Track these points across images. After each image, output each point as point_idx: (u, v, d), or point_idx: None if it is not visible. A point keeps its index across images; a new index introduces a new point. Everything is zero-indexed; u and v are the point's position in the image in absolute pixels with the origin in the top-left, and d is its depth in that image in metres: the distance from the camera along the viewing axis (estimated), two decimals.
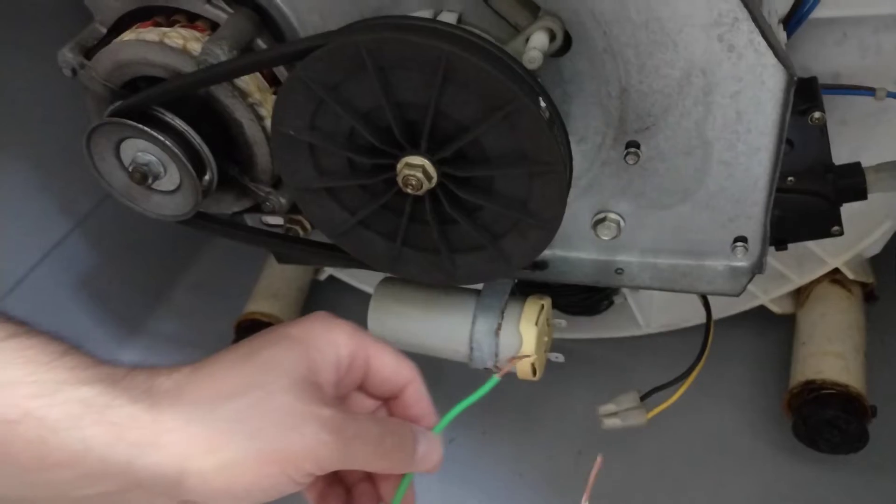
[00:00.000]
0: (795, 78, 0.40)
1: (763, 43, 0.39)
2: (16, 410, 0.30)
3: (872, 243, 0.62)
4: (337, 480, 0.40)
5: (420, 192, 0.41)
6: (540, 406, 0.66)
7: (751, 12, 0.37)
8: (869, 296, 0.68)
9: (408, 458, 0.37)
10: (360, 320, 0.53)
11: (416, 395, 0.39)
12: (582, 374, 0.73)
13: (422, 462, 0.37)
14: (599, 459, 0.42)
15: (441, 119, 0.39)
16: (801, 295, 0.68)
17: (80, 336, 0.80)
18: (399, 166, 0.41)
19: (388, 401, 0.40)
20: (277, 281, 0.80)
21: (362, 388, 0.39)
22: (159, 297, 0.87)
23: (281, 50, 0.41)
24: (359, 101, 0.39)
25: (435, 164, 0.41)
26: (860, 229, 0.61)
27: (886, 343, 0.69)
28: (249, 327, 0.77)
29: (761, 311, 0.69)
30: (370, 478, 0.40)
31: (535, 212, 0.41)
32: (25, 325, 0.33)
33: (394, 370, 0.39)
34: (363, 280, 0.78)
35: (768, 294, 0.67)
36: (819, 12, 0.48)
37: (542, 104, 0.37)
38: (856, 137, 0.56)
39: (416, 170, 0.41)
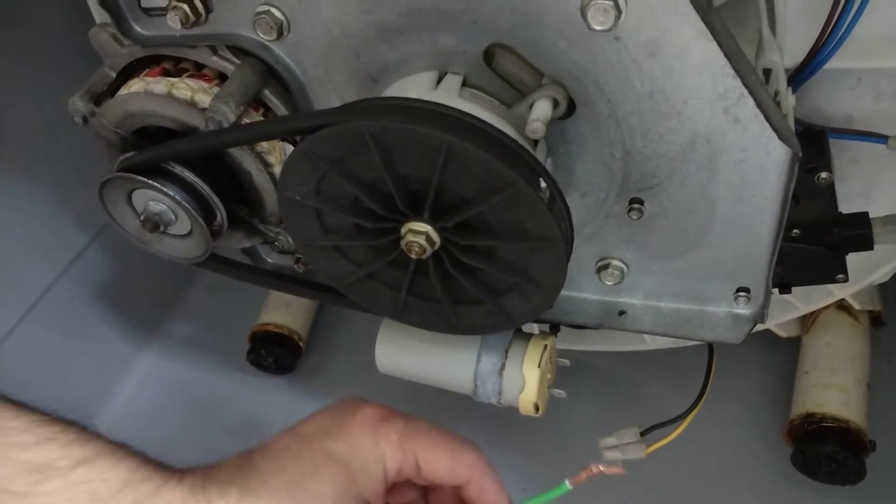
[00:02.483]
0: (799, 154, 0.39)
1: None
2: None
3: (880, 276, 0.62)
4: None
5: (424, 257, 0.42)
6: (544, 419, 0.68)
7: (753, 94, 0.37)
8: (876, 321, 0.68)
9: None
10: (369, 330, 0.55)
11: (478, 489, 0.38)
12: (588, 388, 0.74)
13: None
14: (590, 469, 0.41)
15: (443, 193, 0.39)
16: (807, 319, 0.68)
17: (101, 343, 0.83)
18: (403, 230, 0.42)
19: (450, 489, 0.39)
20: None
21: (417, 476, 0.38)
22: (175, 301, 0.89)
23: (286, 126, 0.41)
24: (362, 173, 0.40)
25: (438, 230, 0.41)
26: (868, 265, 0.61)
27: (893, 367, 0.69)
28: (263, 338, 0.79)
29: (766, 333, 0.70)
30: None
31: (535, 279, 0.42)
32: (92, 442, 0.33)
33: (448, 472, 0.38)
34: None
35: (774, 319, 0.67)
36: (833, 64, 0.47)
37: (542, 185, 0.38)
38: (866, 176, 0.56)
39: (420, 236, 0.41)
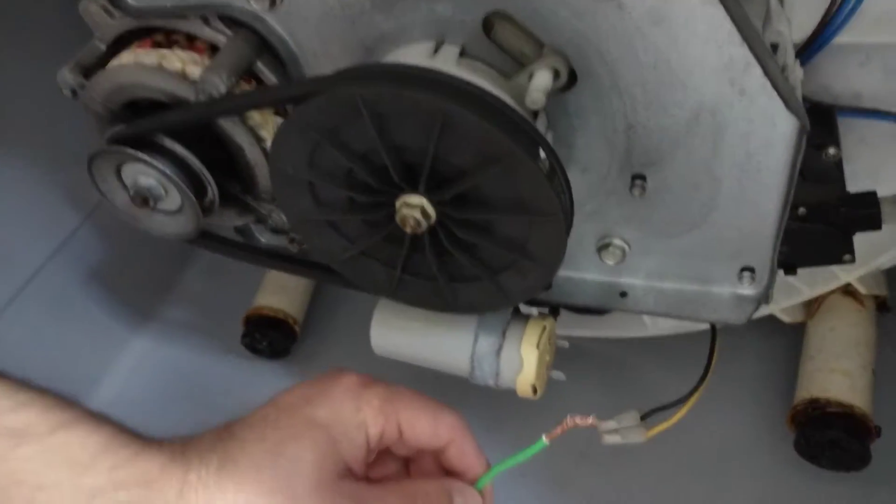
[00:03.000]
0: (807, 127, 0.38)
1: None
2: None
3: (887, 260, 0.61)
4: None
5: (419, 232, 0.41)
6: (543, 405, 0.67)
7: (760, 62, 0.36)
8: (881, 306, 0.67)
9: None
10: (365, 314, 0.54)
11: (458, 452, 0.39)
12: (588, 373, 0.73)
13: None
14: (573, 422, 0.41)
15: (439, 164, 0.38)
16: (812, 304, 0.67)
17: (94, 325, 0.82)
18: (398, 204, 0.41)
19: (431, 457, 0.40)
20: (285, 275, 0.80)
21: (398, 444, 0.38)
22: (170, 285, 0.88)
23: (278, 94, 0.40)
24: (356, 144, 0.39)
25: (434, 203, 0.40)
26: (875, 247, 0.60)
27: None
28: (257, 322, 0.78)
29: (771, 318, 0.68)
30: None
31: (533, 254, 0.41)
32: (70, 409, 0.33)
33: (430, 435, 0.38)
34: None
35: (778, 304, 0.66)
36: (842, 38, 0.45)
37: (542, 155, 0.36)
38: (874, 156, 0.54)
39: (415, 209, 0.40)
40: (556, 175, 0.37)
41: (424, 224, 0.40)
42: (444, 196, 0.39)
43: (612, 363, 0.76)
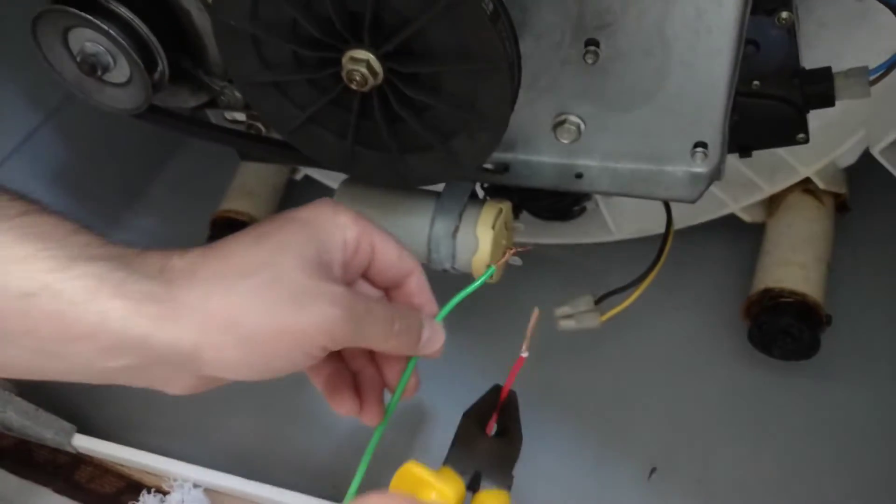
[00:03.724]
0: None
1: None
2: (33, 283, 0.31)
3: (846, 152, 0.61)
4: (343, 368, 0.42)
5: (366, 89, 0.40)
6: (505, 309, 0.67)
7: None
8: (841, 206, 0.67)
9: (414, 341, 0.38)
10: None
11: (419, 284, 0.41)
12: (550, 280, 0.73)
13: (427, 345, 0.39)
14: (536, 311, 0.44)
15: (383, 10, 0.38)
16: (771, 203, 0.67)
17: None
18: (344, 60, 0.40)
19: (391, 290, 0.41)
20: (252, 179, 0.80)
21: (367, 276, 0.40)
22: (136, 194, 0.87)
23: None
24: None
25: (380, 58, 0.39)
26: (833, 138, 0.60)
27: (858, 254, 0.69)
28: (224, 225, 0.78)
29: (732, 219, 0.69)
30: (375, 364, 0.42)
31: (482, 111, 0.41)
32: (38, 204, 0.33)
33: (398, 258, 0.40)
34: (339, 180, 0.78)
35: (738, 202, 0.66)
36: None
37: None
38: (834, 41, 0.54)
39: (361, 64, 0.39)
40: (501, 19, 0.37)
41: (371, 81, 0.40)
42: (390, 46, 0.39)
43: (577, 268, 0.76)
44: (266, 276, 0.34)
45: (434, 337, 0.40)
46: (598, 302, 0.57)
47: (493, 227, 0.52)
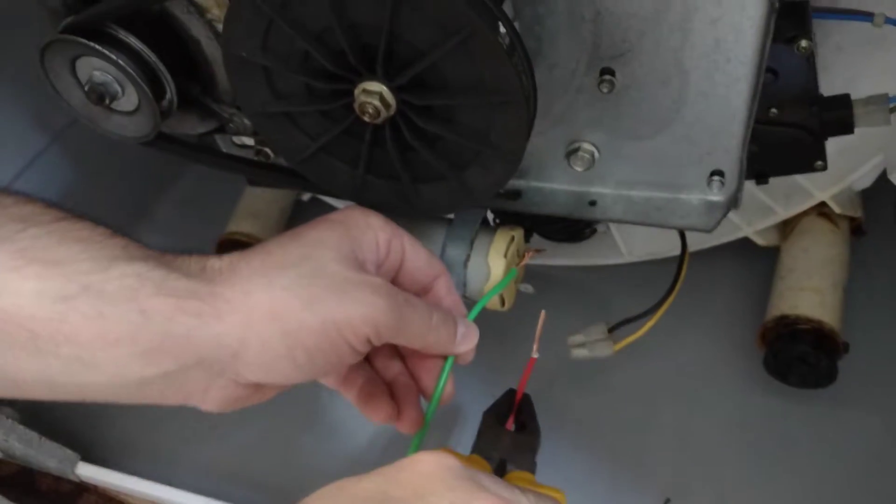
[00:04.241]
0: (776, 5, 0.37)
1: None
2: (72, 286, 0.30)
3: (862, 177, 0.60)
4: (376, 377, 0.41)
5: (379, 121, 0.40)
6: (515, 332, 0.66)
7: None
8: (857, 230, 0.66)
9: (451, 335, 0.38)
10: None
11: (447, 287, 0.40)
12: (561, 302, 0.72)
13: (462, 342, 0.39)
14: (543, 314, 0.44)
15: (397, 43, 0.37)
16: (786, 227, 0.66)
17: None
18: (356, 92, 0.39)
19: (420, 294, 0.41)
20: (259, 200, 0.79)
21: (397, 280, 0.40)
22: (142, 214, 0.86)
23: None
24: (311, 21, 0.37)
25: (393, 90, 0.39)
26: (849, 162, 0.59)
27: (873, 278, 0.68)
28: (230, 247, 0.77)
29: (745, 242, 0.68)
30: (409, 372, 0.42)
31: (496, 144, 0.40)
32: (72, 211, 0.33)
33: (427, 261, 0.39)
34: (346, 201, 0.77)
35: (752, 226, 0.66)
36: None
37: (502, 30, 0.35)
38: (851, 65, 0.54)
39: (374, 97, 0.39)
40: (517, 52, 0.36)
41: (384, 112, 0.39)
42: (403, 80, 0.38)
43: (587, 291, 0.75)
44: (307, 268, 0.34)
45: (468, 333, 0.39)
46: (611, 330, 0.56)
47: (506, 256, 0.51)
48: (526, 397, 0.46)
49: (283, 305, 0.32)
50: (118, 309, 0.30)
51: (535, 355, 0.43)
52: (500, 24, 0.35)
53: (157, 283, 0.31)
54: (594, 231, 0.72)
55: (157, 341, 0.31)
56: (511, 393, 0.46)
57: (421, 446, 0.41)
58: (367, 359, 0.41)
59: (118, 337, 0.30)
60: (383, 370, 0.42)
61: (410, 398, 0.41)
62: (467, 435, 0.44)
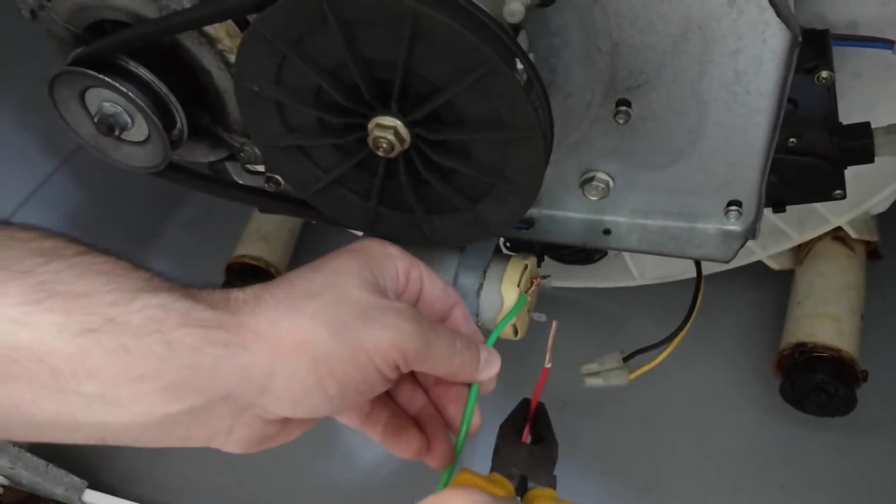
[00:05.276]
0: (799, 39, 0.36)
1: None
2: (95, 319, 0.29)
3: (879, 202, 0.59)
4: (400, 412, 0.41)
5: (392, 155, 0.39)
6: (527, 354, 0.66)
7: None
8: (872, 254, 0.65)
9: (475, 361, 0.38)
10: None
11: (463, 316, 0.40)
12: (572, 325, 0.71)
13: (486, 368, 0.38)
14: (555, 324, 0.45)
15: (412, 79, 0.36)
16: (800, 251, 0.65)
17: None
18: (370, 126, 0.39)
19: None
20: (268, 223, 0.79)
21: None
22: (151, 236, 0.86)
23: (238, 1, 0.38)
24: (324, 57, 0.37)
25: (408, 125, 0.38)
26: (866, 188, 0.58)
27: (889, 301, 0.67)
28: (239, 270, 0.76)
29: (759, 265, 0.67)
30: (434, 405, 0.41)
31: (512, 178, 0.39)
32: (94, 245, 0.33)
33: (443, 290, 0.39)
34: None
35: (766, 250, 0.65)
36: None
37: (519, 66, 0.35)
38: (870, 91, 0.53)
39: (388, 131, 0.38)
40: (534, 88, 0.35)
41: (398, 147, 0.39)
42: (418, 115, 0.37)
43: (599, 314, 0.74)
44: (332, 296, 0.33)
45: (491, 359, 0.39)
46: (626, 359, 0.55)
47: (519, 285, 0.50)
48: (541, 407, 0.45)
49: (311, 334, 0.32)
50: (143, 342, 0.30)
51: (547, 365, 0.42)
52: (517, 59, 0.35)
53: (182, 314, 0.30)
54: (605, 254, 0.72)
55: (182, 375, 0.30)
56: (526, 403, 0.45)
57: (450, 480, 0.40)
58: (390, 394, 0.40)
59: (143, 372, 0.30)
60: (408, 404, 0.41)
61: (439, 431, 0.40)
62: (482, 445, 0.43)
